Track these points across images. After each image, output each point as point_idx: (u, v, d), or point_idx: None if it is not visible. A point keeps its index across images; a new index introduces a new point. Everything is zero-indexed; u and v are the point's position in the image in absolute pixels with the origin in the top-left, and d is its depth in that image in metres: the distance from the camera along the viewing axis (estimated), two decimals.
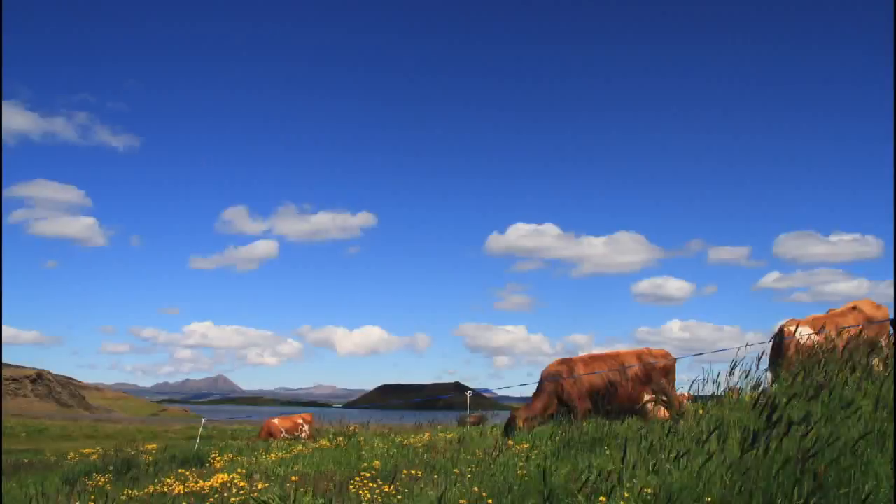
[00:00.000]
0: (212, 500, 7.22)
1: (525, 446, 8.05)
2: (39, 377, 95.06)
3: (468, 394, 16.43)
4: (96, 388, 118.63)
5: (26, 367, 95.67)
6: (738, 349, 7.80)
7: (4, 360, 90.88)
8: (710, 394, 7.88)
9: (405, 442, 11.92)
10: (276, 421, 22.16)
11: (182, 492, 8.17)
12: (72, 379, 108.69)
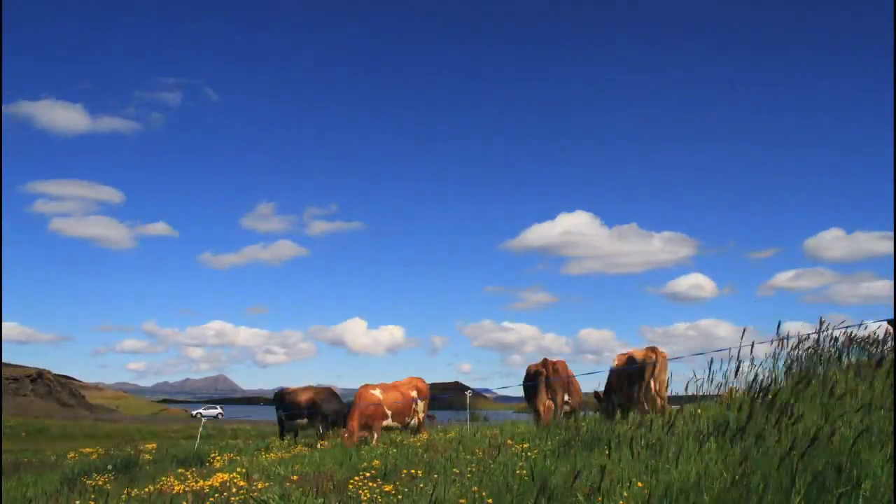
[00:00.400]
0: (212, 499, 7.23)
1: (524, 446, 8.05)
2: (39, 376, 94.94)
3: (468, 393, 16.45)
4: (96, 387, 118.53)
5: (27, 367, 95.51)
6: (731, 349, 7.83)
7: (5, 360, 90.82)
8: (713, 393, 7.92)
9: (404, 441, 11.93)
10: (377, 392, 13.83)
11: (182, 491, 8.17)
12: (72, 378, 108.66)
